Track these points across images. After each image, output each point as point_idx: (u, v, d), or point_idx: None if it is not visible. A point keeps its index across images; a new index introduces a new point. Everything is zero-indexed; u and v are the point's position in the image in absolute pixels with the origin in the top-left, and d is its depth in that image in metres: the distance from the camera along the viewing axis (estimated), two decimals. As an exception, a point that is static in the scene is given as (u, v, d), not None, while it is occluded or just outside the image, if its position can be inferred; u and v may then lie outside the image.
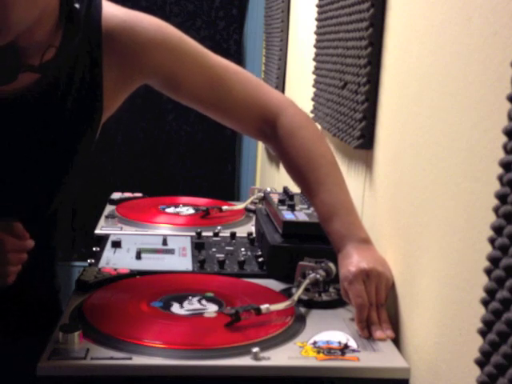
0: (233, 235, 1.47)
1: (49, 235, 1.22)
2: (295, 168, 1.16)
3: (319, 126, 1.65)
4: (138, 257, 1.31)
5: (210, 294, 1.10)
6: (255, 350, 0.89)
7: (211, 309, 1.05)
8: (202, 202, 1.85)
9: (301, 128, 1.17)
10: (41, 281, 1.24)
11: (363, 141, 1.23)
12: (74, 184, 1.14)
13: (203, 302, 1.07)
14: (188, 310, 1.04)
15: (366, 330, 0.99)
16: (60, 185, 1.09)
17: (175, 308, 1.04)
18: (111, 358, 0.87)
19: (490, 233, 0.66)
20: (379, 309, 1.01)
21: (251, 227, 1.58)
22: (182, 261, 1.31)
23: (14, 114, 1.01)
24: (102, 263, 1.27)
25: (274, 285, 1.20)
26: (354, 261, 1.03)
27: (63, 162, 1.08)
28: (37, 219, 1.09)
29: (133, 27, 1.08)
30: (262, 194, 1.64)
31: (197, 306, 1.06)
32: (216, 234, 1.49)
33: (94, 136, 1.12)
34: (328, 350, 0.93)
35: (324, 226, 1.12)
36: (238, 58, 3.13)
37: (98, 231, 1.50)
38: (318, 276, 1.10)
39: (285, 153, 1.17)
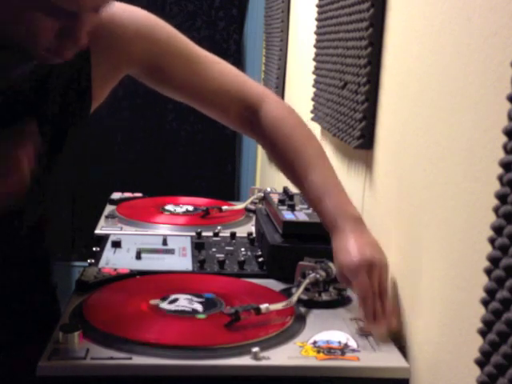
0: (233, 235, 1.47)
1: (41, 235, 1.22)
2: (282, 155, 1.15)
3: (319, 126, 1.65)
4: (138, 257, 1.31)
5: (211, 295, 1.10)
6: (255, 349, 0.89)
7: (212, 308, 1.05)
8: (201, 201, 1.84)
9: (284, 116, 1.17)
10: (37, 280, 1.24)
11: (363, 141, 1.23)
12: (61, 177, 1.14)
13: (203, 301, 1.07)
14: (188, 310, 1.04)
15: (373, 321, 0.98)
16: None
17: (175, 308, 1.04)
18: (111, 358, 0.87)
19: (490, 233, 0.66)
20: (383, 298, 0.99)
21: (251, 227, 1.58)
22: (181, 261, 1.31)
23: (5, 103, 1.00)
24: (102, 263, 1.27)
25: (274, 285, 1.20)
26: (354, 248, 1.00)
27: (53, 150, 1.07)
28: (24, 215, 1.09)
29: (120, 17, 1.09)
30: (262, 194, 1.64)
31: (197, 305, 1.06)
32: (216, 234, 1.49)
33: (85, 126, 1.12)
34: (328, 350, 0.93)
35: (315, 206, 1.10)
36: (238, 57, 3.13)
37: (97, 231, 1.50)
38: (317, 276, 1.10)
39: (270, 141, 1.16)
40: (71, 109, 1.07)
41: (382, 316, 0.98)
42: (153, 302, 1.06)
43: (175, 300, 1.07)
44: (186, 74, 1.14)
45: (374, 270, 0.99)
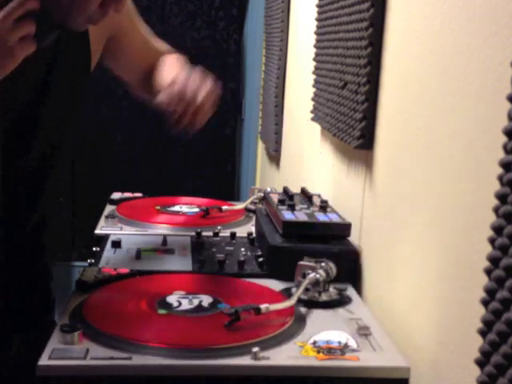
0: (233, 235, 1.47)
1: (38, 231, 1.24)
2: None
3: (319, 126, 1.65)
4: (138, 257, 1.31)
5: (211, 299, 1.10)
6: (255, 349, 0.89)
7: (212, 308, 1.05)
8: (201, 201, 1.84)
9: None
10: (33, 274, 1.26)
11: (363, 141, 1.23)
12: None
13: (203, 301, 1.07)
14: (188, 310, 1.04)
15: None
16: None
17: (175, 308, 1.04)
18: (111, 358, 0.87)
19: (490, 233, 0.66)
20: (198, 112, 1.14)
21: (251, 227, 1.58)
22: (182, 261, 1.31)
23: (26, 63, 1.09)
24: (102, 263, 1.27)
25: (274, 285, 1.20)
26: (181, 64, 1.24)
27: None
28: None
29: None
30: (262, 194, 1.64)
31: (197, 305, 1.06)
32: (216, 234, 1.49)
33: (86, 80, 1.32)
34: (328, 350, 0.93)
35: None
36: (238, 58, 3.13)
37: (97, 231, 1.50)
38: (317, 276, 1.10)
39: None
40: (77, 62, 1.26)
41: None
42: (154, 303, 1.06)
43: (175, 300, 1.07)
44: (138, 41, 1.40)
45: (195, 73, 1.21)
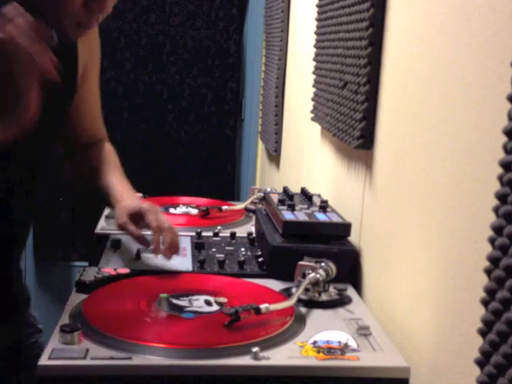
0: (233, 235, 1.47)
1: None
2: (95, 165, 1.45)
3: (319, 126, 1.65)
4: (138, 257, 1.31)
5: (223, 300, 1.11)
6: (255, 349, 0.89)
7: (212, 308, 1.05)
8: (201, 201, 1.84)
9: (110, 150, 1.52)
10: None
11: (363, 141, 1.23)
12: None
13: (203, 301, 1.07)
14: (188, 310, 1.04)
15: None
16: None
17: (175, 308, 1.04)
18: (111, 358, 0.87)
19: (490, 233, 0.66)
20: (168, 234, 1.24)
21: (251, 227, 1.58)
22: (182, 261, 1.31)
23: None
24: (102, 263, 1.27)
25: (274, 285, 1.20)
26: (136, 201, 1.31)
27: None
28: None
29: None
30: (262, 194, 1.64)
31: (196, 305, 1.06)
32: (216, 234, 1.49)
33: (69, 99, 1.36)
34: (328, 350, 0.93)
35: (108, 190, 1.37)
36: (238, 58, 3.12)
37: (97, 231, 1.50)
38: (317, 276, 1.10)
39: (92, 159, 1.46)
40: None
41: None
42: (154, 303, 1.06)
43: (175, 300, 1.07)
44: (90, 93, 1.44)
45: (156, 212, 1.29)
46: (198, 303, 1.07)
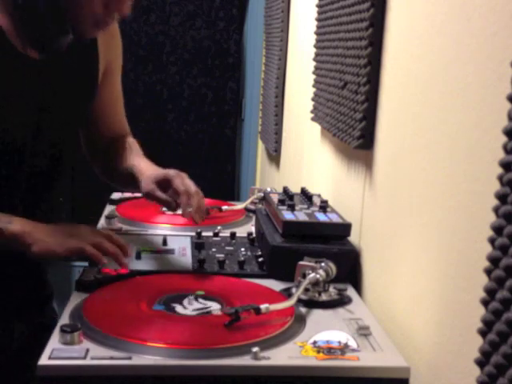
0: (233, 235, 1.47)
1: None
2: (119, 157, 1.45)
3: (319, 126, 1.65)
4: (138, 257, 1.31)
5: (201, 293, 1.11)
6: (255, 349, 0.89)
7: (214, 307, 1.05)
8: (201, 201, 1.84)
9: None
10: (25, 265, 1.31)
11: (363, 141, 1.23)
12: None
13: (203, 301, 1.07)
14: (188, 310, 1.04)
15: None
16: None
17: (175, 308, 1.04)
18: (111, 358, 0.87)
19: (490, 233, 0.66)
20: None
21: (251, 227, 1.58)
22: (181, 261, 1.31)
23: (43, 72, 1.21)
24: (102, 263, 1.27)
25: (274, 285, 1.20)
26: (160, 170, 1.34)
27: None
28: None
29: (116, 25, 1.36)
30: (262, 194, 1.64)
31: (197, 305, 1.06)
32: (216, 234, 1.49)
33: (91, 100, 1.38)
34: (328, 350, 0.93)
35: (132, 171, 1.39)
36: (238, 58, 3.13)
37: (97, 231, 1.50)
38: (317, 276, 1.10)
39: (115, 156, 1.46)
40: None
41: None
42: (154, 303, 1.06)
43: (175, 300, 1.07)
44: (110, 94, 1.46)
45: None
46: (198, 303, 1.07)
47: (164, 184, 1.30)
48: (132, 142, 1.50)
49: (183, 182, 1.28)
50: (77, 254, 1.14)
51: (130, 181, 1.38)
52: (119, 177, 1.45)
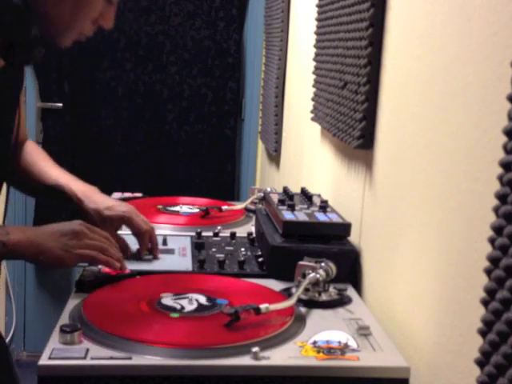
0: (233, 235, 1.47)
1: None
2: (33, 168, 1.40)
3: (319, 126, 1.65)
4: (138, 257, 1.31)
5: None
6: (255, 349, 0.89)
7: (214, 307, 1.05)
8: (201, 201, 1.84)
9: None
10: None
11: (363, 141, 1.23)
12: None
13: (203, 301, 1.07)
14: (188, 310, 1.04)
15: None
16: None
17: (175, 308, 1.04)
18: (111, 358, 0.87)
19: (490, 233, 0.66)
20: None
21: (251, 227, 1.58)
22: (181, 261, 1.31)
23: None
24: (102, 263, 1.27)
25: (274, 285, 1.20)
26: (116, 203, 1.35)
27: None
28: None
29: None
30: (262, 194, 1.64)
31: (197, 305, 1.06)
32: (216, 234, 1.49)
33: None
34: (328, 350, 0.93)
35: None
36: (238, 57, 3.12)
37: (98, 231, 1.49)
38: (317, 276, 1.10)
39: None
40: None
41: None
42: (154, 303, 1.06)
43: (175, 300, 1.07)
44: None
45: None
46: (198, 303, 1.07)
47: (118, 224, 1.33)
48: (35, 149, 1.44)
49: (142, 219, 1.32)
50: (88, 262, 1.16)
51: (59, 199, 1.37)
52: (42, 192, 1.43)
